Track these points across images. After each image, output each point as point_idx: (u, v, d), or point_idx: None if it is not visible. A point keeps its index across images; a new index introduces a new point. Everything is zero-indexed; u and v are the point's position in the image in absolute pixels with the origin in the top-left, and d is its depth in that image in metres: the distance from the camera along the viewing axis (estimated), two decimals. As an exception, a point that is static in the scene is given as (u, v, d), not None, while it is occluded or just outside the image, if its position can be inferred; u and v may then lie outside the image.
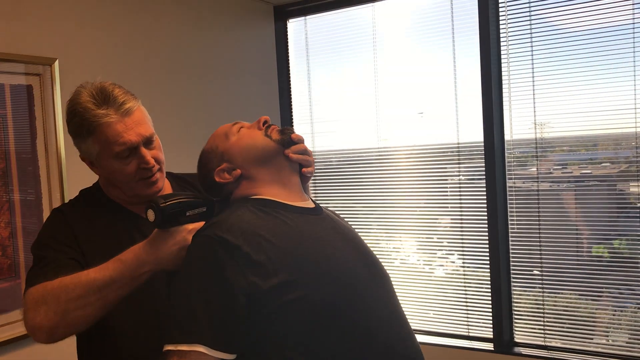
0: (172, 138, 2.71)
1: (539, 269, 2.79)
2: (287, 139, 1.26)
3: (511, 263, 2.85)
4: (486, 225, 2.86)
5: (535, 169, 2.81)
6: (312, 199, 1.35)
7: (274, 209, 1.19)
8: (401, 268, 3.19)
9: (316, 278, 1.10)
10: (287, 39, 3.47)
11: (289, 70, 3.49)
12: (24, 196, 2.04)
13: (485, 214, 2.85)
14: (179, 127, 2.76)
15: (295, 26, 3.47)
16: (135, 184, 1.34)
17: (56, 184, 2.14)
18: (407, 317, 1.25)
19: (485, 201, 2.85)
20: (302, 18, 3.42)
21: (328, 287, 1.10)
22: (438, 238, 3.10)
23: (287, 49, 3.48)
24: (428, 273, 3.12)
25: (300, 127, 3.44)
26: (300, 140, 1.28)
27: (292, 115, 3.49)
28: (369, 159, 3.27)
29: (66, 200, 2.12)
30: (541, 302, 2.79)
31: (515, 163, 2.84)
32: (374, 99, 3.21)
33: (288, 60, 3.48)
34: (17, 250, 2.01)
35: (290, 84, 3.49)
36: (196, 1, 2.91)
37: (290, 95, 3.49)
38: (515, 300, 2.86)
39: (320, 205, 1.34)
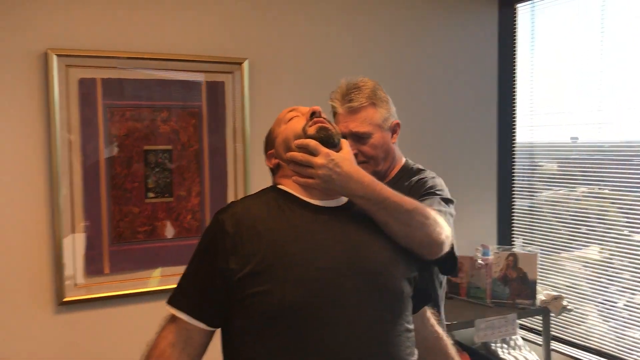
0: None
1: None
2: (319, 137, 1.23)
3: None
4: None
5: None
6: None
7: (288, 203, 1.22)
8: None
9: (286, 277, 1.10)
10: (514, 26, 3.24)
11: (513, 60, 3.25)
12: (212, 172, 2.49)
13: None
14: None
15: (521, 12, 3.22)
16: None
17: (240, 165, 2.53)
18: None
19: None
20: (530, 2, 3.16)
21: (295, 289, 1.09)
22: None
23: (514, 37, 3.25)
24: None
25: (520, 118, 3.23)
26: (307, 142, 1.23)
27: (514, 107, 3.28)
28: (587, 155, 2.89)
29: (248, 179, 2.53)
30: None
31: None
32: (598, 90, 2.80)
33: (514, 49, 3.25)
34: (204, 215, 2.48)
35: (514, 75, 3.26)
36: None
37: (514, 86, 3.26)
38: None
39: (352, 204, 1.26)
